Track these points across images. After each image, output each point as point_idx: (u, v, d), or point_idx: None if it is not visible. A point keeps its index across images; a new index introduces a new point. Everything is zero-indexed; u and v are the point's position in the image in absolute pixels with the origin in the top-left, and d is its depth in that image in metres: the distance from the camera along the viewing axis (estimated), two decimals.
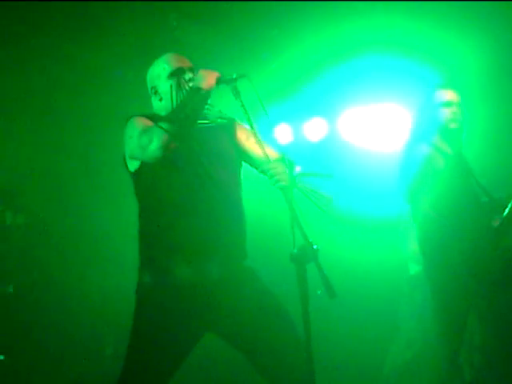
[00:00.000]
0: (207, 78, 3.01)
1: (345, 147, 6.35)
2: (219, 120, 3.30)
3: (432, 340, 5.27)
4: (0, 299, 5.51)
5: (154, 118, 3.15)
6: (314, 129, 6.36)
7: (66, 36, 5.63)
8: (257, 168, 3.21)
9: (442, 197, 4.12)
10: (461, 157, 4.26)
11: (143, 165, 3.09)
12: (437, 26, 5.31)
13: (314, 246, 2.56)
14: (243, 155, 3.31)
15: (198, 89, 2.99)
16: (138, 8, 5.62)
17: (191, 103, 2.98)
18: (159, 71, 3.24)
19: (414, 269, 5.58)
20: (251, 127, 2.94)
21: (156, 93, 3.25)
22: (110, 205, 5.89)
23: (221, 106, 3.18)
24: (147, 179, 3.11)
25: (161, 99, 3.24)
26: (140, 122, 3.07)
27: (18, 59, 5.65)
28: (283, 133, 6.28)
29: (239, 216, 3.17)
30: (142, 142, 2.95)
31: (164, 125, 2.92)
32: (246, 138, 3.29)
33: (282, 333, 3.05)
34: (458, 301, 4.09)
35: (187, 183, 3.07)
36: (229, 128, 3.32)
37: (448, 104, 4.25)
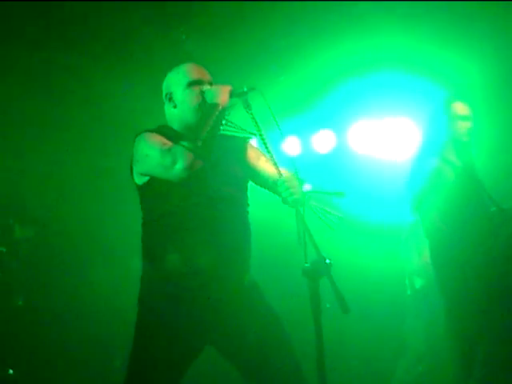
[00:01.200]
0: (222, 93, 3.00)
1: (353, 159, 6.36)
2: (228, 136, 3.30)
3: (442, 354, 5.28)
4: (9, 312, 5.50)
5: (167, 133, 3.13)
6: (323, 141, 6.38)
7: (74, 47, 5.63)
8: (268, 186, 3.24)
9: (451, 209, 4.12)
10: (470, 169, 4.26)
11: (153, 179, 3.07)
12: (441, 43, 5.36)
13: (327, 261, 2.56)
14: (254, 174, 3.29)
15: (215, 105, 2.98)
16: (146, 21, 5.64)
17: (210, 121, 2.96)
18: (178, 79, 3.19)
19: (419, 283, 5.57)
20: (262, 140, 2.94)
21: (170, 99, 3.20)
22: (119, 216, 5.90)
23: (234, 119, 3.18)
24: (155, 193, 3.08)
25: (175, 106, 3.20)
26: (155, 140, 3.04)
27: (25, 69, 5.66)
28: (291, 145, 6.29)
29: (245, 233, 3.16)
30: (164, 162, 2.92)
31: (186, 144, 2.90)
32: (257, 158, 3.29)
33: (279, 353, 3.04)
34: (471, 314, 4.08)
35: (195, 198, 3.05)
36: (238, 146, 3.32)
37: (463, 118, 4.27)
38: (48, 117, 5.78)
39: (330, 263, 2.55)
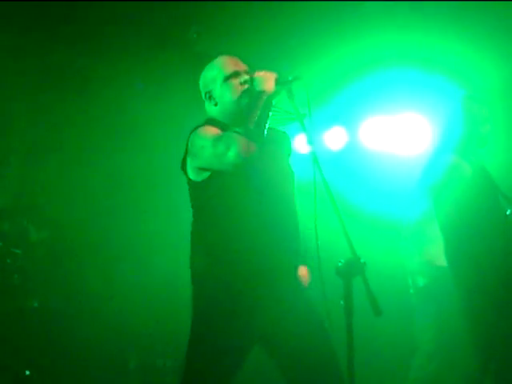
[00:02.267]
0: (268, 81, 3.00)
1: (365, 155, 6.37)
2: (276, 131, 3.31)
3: (452, 351, 5.29)
4: (25, 314, 5.50)
5: (219, 124, 3.13)
6: (335, 137, 6.38)
7: (85, 50, 5.65)
8: None
9: (468, 203, 4.13)
10: (483, 167, 4.29)
11: (215, 174, 3.04)
12: (455, 40, 5.34)
13: (362, 260, 2.56)
14: None
15: (262, 92, 2.97)
16: (157, 21, 5.65)
17: (258, 107, 2.96)
18: (214, 75, 3.20)
19: (422, 281, 5.56)
20: (303, 129, 2.93)
21: (211, 98, 3.21)
22: (135, 216, 5.91)
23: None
24: (218, 188, 3.06)
25: (216, 104, 3.20)
26: (209, 131, 3.04)
27: (38, 73, 5.67)
28: (303, 142, 6.27)
29: (296, 227, 3.17)
30: (217, 150, 2.91)
31: (238, 130, 2.90)
32: None
33: (320, 351, 3.04)
34: (488, 307, 4.09)
35: (255, 192, 3.05)
36: (285, 142, 3.36)
37: (485, 119, 4.29)
38: (61, 118, 5.78)
39: (364, 263, 2.56)
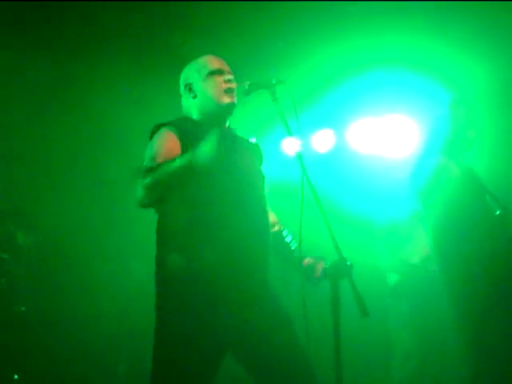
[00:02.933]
0: (208, 158, 2.79)
1: (352, 157, 6.38)
2: (248, 142, 3.36)
3: (430, 348, 5.31)
4: (13, 318, 5.48)
5: (185, 125, 3.15)
6: (322, 140, 6.40)
7: (70, 53, 5.63)
8: None
9: (457, 204, 4.14)
10: (471, 169, 4.31)
11: None
12: (442, 42, 5.38)
13: (348, 262, 2.56)
14: None
15: (193, 167, 2.82)
16: (142, 25, 5.64)
17: (180, 170, 2.86)
18: (198, 69, 3.23)
19: (394, 278, 5.59)
20: (288, 132, 2.94)
21: (190, 90, 3.23)
22: (123, 222, 5.90)
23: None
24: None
25: (195, 97, 3.21)
26: (156, 147, 3.07)
27: (23, 80, 5.66)
28: (290, 145, 6.27)
29: (267, 228, 3.17)
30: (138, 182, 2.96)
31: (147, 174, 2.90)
32: None
33: (292, 357, 3.01)
34: (477, 307, 4.10)
35: (226, 188, 3.06)
36: (257, 152, 3.40)
37: (472, 123, 4.32)
38: (48, 123, 5.77)
39: (351, 265, 2.56)
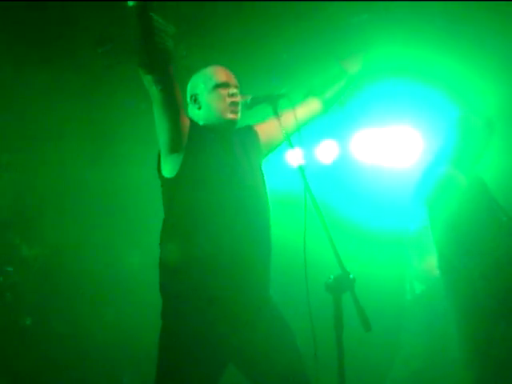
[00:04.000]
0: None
1: (356, 168, 6.38)
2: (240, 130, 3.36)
3: (437, 355, 5.30)
4: (18, 331, 5.48)
5: (197, 127, 3.18)
6: (326, 151, 6.39)
7: (75, 66, 5.65)
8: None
9: (462, 216, 4.13)
10: (481, 179, 4.29)
11: (185, 169, 3.09)
12: (448, 53, 5.36)
13: (351, 276, 2.56)
14: (271, 141, 3.40)
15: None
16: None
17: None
18: (204, 81, 3.25)
19: (419, 288, 5.59)
20: (290, 145, 2.97)
21: (196, 101, 3.26)
22: (129, 230, 5.90)
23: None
24: (187, 183, 3.10)
25: (199, 108, 3.24)
26: None
27: (27, 85, 5.67)
28: (294, 156, 6.28)
29: (268, 226, 3.19)
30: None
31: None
32: (266, 126, 3.39)
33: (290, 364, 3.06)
34: (481, 320, 4.09)
35: (227, 186, 3.10)
36: (248, 135, 3.40)
37: (482, 132, 4.30)
38: (53, 133, 5.78)
39: (353, 278, 2.55)
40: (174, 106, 2.97)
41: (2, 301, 5.39)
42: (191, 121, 3.17)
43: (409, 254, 5.70)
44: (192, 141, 3.09)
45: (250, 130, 3.42)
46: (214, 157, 3.12)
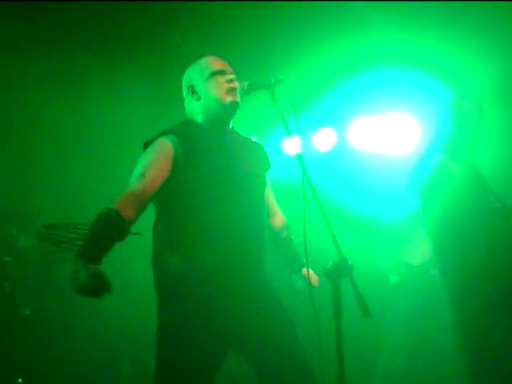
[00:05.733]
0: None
1: (354, 156, 6.38)
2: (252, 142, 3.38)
3: (419, 347, 5.33)
4: (17, 322, 5.48)
5: (188, 131, 3.15)
6: (323, 139, 6.39)
7: (72, 54, 5.63)
8: None
9: (456, 205, 4.12)
10: (475, 166, 4.29)
11: (176, 174, 3.07)
12: (442, 38, 5.37)
13: (349, 262, 2.56)
14: None
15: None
16: (141, 26, 5.64)
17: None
18: (200, 70, 3.22)
19: (394, 278, 5.62)
20: (288, 132, 2.93)
21: (194, 92, 3.22)
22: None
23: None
24: (184, 186, 3.07)
25: (198, 99, 3.21)
26: (143, 165, 3.06)
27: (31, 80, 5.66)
28: (291, 144, 6.27)
29: (263, 229, 3.20)
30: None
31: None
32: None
33: (290, 353, 3.06)
34: (476, 308, 4.09)
35: (225, 187, 3.08)
36: (261, 150, 3.39)
37: (476, 117, 4.29)
38: (51, 125, 5.76)
39: (352, 265, 2.56)
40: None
41: (0, 291, 5.38)
42: (177, 138, 3.10)
43: (380, 246, 5.73)
44: (180, 160, 3.06)
45: (260, 146, 3.42)
46: (210, 157, 3.11)
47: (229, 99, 3.16)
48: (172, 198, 3.09)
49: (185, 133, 3.14)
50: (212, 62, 3.24)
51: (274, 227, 3.44)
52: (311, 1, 5.21)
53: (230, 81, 3.18)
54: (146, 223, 3.19)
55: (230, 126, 3.30)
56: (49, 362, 5.51)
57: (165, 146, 3.09)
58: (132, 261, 5.93)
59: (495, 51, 5.33)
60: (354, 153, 6.37)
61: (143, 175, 2.98)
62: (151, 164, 3.04)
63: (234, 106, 3.20)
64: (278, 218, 3.48)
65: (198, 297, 2.99)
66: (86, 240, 2.82)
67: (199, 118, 3.23)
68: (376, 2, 5.21)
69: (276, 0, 5.26)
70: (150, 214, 3.20)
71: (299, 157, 2.89)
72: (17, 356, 5.34)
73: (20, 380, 5.34)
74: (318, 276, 3.16)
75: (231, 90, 3.17)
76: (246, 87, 3.12)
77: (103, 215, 2.85)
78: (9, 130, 5.65)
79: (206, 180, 3.05)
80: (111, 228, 2.85)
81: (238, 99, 3.20)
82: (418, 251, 5.46)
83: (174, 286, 3.04)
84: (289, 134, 2.93)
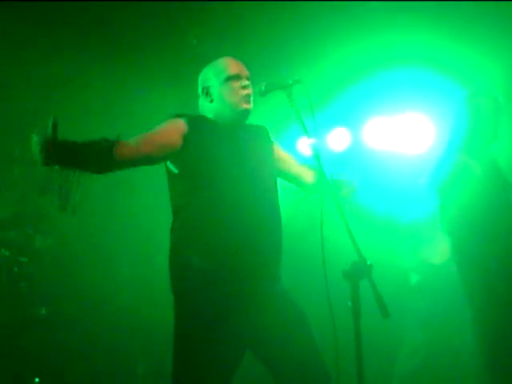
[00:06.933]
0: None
1: (368, 155, 6.37)
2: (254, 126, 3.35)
3: (438, 346, 5.31)
4: (33, 322, 5.50)
5: (202, 124, 3.17)
6: (338, 139, 6.38)
7: (86, 55, 5.65)
8: (297, 183, 3.37)
9: (476, 205, 4.10)
10: (495, 165, 4.26)
11: (188, 164, 3.08)
12: (456, 38, 5.35)
13: (368, 262, 2.55)
14: (286, 171, 3.37)
15: None
16: (157, 27, 5.65)
17: None
18: (216, 73, 3.22)
19: (415, 278, 5.60)
20: (305, 132, 2.94)
21: (208, 94, 3.22)
22: (140, 220, 5.90)
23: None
24: (196, 177, 3.08)
25: (211, 101, 3.22)
26: (161, 129, 3.10)
27: (40, 82, 5.67)
28: (306, 144, 6.28)
29: (279, 220, 3.19)
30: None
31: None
32: (288, 157, 3.36)
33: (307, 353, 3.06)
34: (495, 307, 4.07)
35: (236, 180, 3.08)
36: (269, 142, 3.37)
37: (493, 112, 4.27)
38: (62, 126, 5.77)
39: (370, 265, 2.55)
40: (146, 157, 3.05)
41: (17, 291, 5.40)
42: (190, 121, 3.13)
43: (403, 244, 5.71)
44: (191, 141, 3.07)
45: (263, 129, 3.41)
46: (221, 151, 3.12)
47: (241, 107, 3.17)
48: (183, 196, 3.11)
49: (198, 121, 3.17)
50: (229, 65, 3.23)
51: (311, 182, 3.44)
52: (328, 1, 5.20)
53: (245, 87, 3.18)
54: (165, 222, 3.21)
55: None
56: (65, 362, 5.53)
57: (177, 121, 3.13)
58: (152, 258, 5.93)
59: (508, 49, 5.30)
60: (369, 152, 6.35)
61: (139, 136, 3.06)
62: (155, 129, 3.10)
63: (245, 114, 3.22)
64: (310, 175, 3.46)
65: (214, 297, 2.99)
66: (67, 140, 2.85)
67: (211, 117, 3.25)
68: (390, 3, 5.19)
69: (293, 0, 5.25)
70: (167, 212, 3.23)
71: (317, 156, 2.88)
72: (33, 356, 5.35)
73: (37, 379, 5.36)
74: (337, 276, 3.16)
75: (245, 97, 3.17)
76: (263, 88, 3.12)
77: (98, 139, 2.91)
78: (25, 133, 5.66)
79: (216, 179, 3.05)
80: (97, 149, 2.90)
81: (251, 107, 3.21)
82: (439, 250, 5.43)
83: (189, 286, 3.05)
84: (306, 133, 2.92)
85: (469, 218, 4.12)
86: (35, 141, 2.78)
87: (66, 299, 5.70)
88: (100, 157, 2.89)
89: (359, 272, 2.55)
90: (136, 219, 5.95)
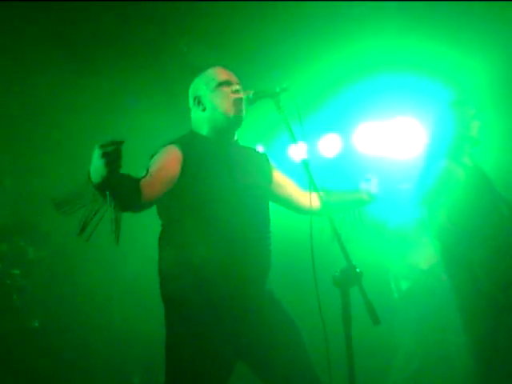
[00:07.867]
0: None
1: (359, 160, 6.37)
2: (254, 151, 3.37)
3: (432, 351, 5.30)
4: (26, 334, 5.48)
5: (192, 142, 3.16)
6: (329, 145, 6.38)
7: (75, 63, 5.64)
8: (290, 205, 3.43)
9: (462, 209, 4.13)
10: (480, 168, 4.28)
11: (177, 186, 3.05)
12: (444, 43, 5.38)
13: (357, 270, 2.55)
14: (284, 196, 3.40)
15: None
16: (148, 35, 5.66)
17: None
18: (206, 81, 3.23)
19: (405, 285, 5.59)
20: (293, 140, 2.93)
21: (199, 103, 3.22)
22: (135, 234, 5.88)
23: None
24: (187, 188, 3.06)
25: (204, 109, 3.21)
26: (155, 161, 3.05)
27: (33, 87, 5.67)
28: (297, 151, 6.27)
29: (267, 238, 3.19)
30: None
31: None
32: (284, 180, 3.40)
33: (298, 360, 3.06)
34: (484, 311, 4.07)
35: (226, 192, 3.08)
36: (264, 161, 3.38)
37: (472, 118, 4.30)
38: (54, 137, 5.78)
39: (360, 272, 2.54)
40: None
41: (9, 304, 5.39)
42: (183, 147, 3.11)
43: (390, 251, 5.70)
44: (186, 167, 3.06)
45: (266, 161, 3.42)
46: (214, 171, 3.12)
47: (233, 112, 3.17)
48: (175, 212, 3.10)
49: (189, 144, 3.15)
50: (218, 73, 3.25)
51: (319, 207, 3.31)
52: (315, 8, 5.21)
53: (236, 91, 3.18)
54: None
55: (235, 137, 3.30)
56: (58, 374, 5.51)
57: (172, 150, 3.10)
58: (144, 271, 5.91)
59: (495, 51, 5.32)
60: (360, 158, 6.35)
61: (150, 173, 2.96)
62: (159, 164, 3.04)
63: (238, 119, 3.21)
64: (315, 201, 3.29)
65: (203, 307, 2.99)
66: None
67: (204, 128, 3.24)
68: (378, 8, 5.20)
69: (280, 8, 5.26)
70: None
71: (305, 163, 2.88)
72: (26, 368, 5.34)
73: None
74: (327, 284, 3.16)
75: (236, 102, 3.18)
76: (251, 96, 3.12)
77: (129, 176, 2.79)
78: (18, 143, 5.67)
79: (208, 194, 3.05)
80: (129, 188, 2.79)
81: (243, 112, 3.21)
82: (425, 255, 5.44)
83: (178, 297, 3.05)
84: (295, 141, 2.92)
85: (455, 224, 4.14)
86: (103, 163, 2.69)
87: (59, 312, 5.68)
88: (130, 197, 2.85)
89: (349, 279, 2.54)
90: (131, 232, 5.92)
